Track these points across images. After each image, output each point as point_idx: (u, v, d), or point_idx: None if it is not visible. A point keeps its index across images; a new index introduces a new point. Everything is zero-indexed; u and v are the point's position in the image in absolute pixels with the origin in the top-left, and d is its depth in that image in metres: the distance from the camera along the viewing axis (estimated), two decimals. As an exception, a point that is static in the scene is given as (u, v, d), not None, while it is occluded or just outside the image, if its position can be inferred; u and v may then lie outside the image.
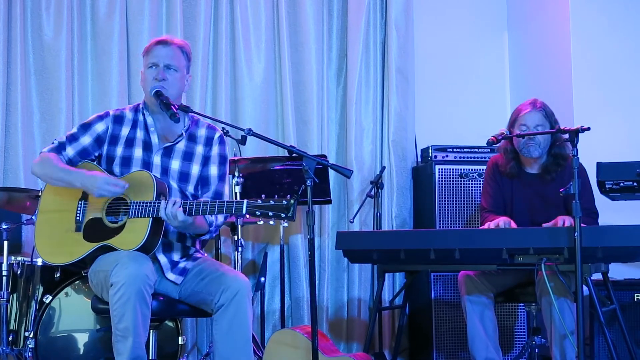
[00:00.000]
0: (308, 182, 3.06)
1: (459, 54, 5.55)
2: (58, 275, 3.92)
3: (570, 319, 3.57)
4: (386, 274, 4.25)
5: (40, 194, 3.36)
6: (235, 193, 4.21)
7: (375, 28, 5.30)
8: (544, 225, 3.72)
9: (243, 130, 3.17)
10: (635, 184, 3.70)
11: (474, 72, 5.56)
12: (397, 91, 5.23)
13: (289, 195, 2.95)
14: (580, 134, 3.39)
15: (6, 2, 4.73)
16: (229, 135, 4.23)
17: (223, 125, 4.09)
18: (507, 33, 5.65)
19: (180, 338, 3.87)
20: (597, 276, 3.69)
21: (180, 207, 3.02)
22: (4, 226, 3.89)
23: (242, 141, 3.21)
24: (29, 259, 3.98)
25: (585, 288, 3.40)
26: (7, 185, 4.55)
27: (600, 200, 3.94)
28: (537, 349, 3.87)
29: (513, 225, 3.80)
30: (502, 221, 3.79)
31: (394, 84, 5.23)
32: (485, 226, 3.83)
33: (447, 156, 4.88)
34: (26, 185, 4.60)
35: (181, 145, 3.34)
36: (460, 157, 4.89)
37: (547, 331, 3.67)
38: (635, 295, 4.15)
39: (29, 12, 4.81)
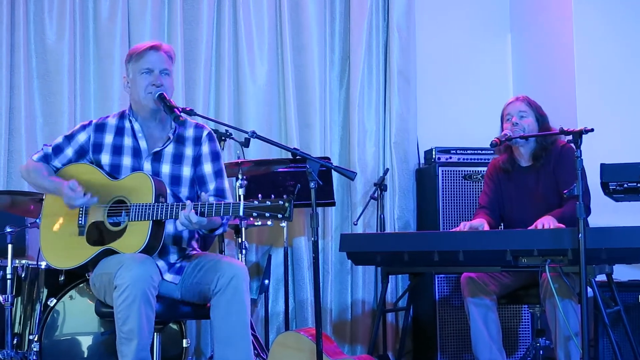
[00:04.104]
0: (311, 184, 3.04)
1: (461, 56, 5.54)
2: (62, 278, 3.91)
3: (574, 320, 3.56)
4: (390, 276, 4.23)
5: (44, 197, 3.37)
6: (239, 195, 4.20)
7: (378, 30, 5.30)
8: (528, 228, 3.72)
9: (246, 132, 3.17)
10: (639, 185, 3.69)
11: (476, 74, 5.55)
12: (399, 93, 5.24)
13: (285, 195, 2.93)
14: (583, 135, 3.39)
15: (9, 6, 4.74)
16: (232, 138, 4.24)
17: (226, 128, 4.11)
18: (510, 35, 5.65)
19: (184, 341, 3.87)
20: (601, 277, 3.68)
21: (191, 209, 3.01)
22: (8, 229, 3.87)
23: (246, 144, 3.22)
24: (34, 262, 3.97)
25: (589, 289, 3.39)
26: (11, 189, 4.55)
27: (604, 202, 3.93)
28: (541, 351, 3.88)
29: (486, 227, 3.81)
30: (475, 223, 3.82)
31: (396, 86, 5.24)
32: (457, 229, 3.82)
33: (450, 158, 4.88)
34: (30, 188, 4.59)
35: (170, 149, 3.31)
36: (463, 159, 4.89)
37: (551, 333, 3.67)
38: (640, 296, 4.15)
39: (31, 15, 4.82)
